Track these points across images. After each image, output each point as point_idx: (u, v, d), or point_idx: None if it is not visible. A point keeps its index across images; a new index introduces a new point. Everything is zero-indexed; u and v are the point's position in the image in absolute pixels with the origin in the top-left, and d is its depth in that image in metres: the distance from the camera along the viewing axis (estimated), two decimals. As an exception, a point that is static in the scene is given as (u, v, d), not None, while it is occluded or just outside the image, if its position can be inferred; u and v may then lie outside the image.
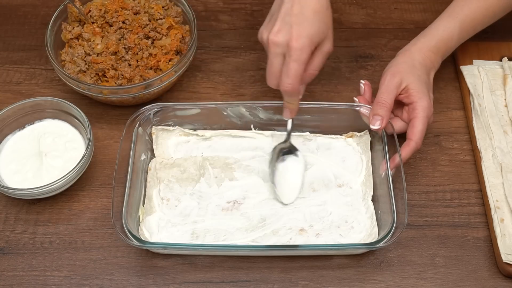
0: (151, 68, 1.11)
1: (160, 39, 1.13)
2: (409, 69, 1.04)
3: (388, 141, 1.02)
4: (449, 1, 1.09)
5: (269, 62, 0.97)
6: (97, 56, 1.11)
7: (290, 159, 1.05)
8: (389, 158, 0.99)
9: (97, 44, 1.11)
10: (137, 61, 1.11)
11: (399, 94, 1.03)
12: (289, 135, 1.05)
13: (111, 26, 1.14)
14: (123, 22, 1.14)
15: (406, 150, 1.00)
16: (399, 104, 1.05)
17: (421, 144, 1.01)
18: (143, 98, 1.10)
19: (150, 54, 1.11)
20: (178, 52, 1.13)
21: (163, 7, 1.17)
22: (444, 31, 1.07)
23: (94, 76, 1.10)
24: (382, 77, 1.05)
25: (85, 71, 1.10)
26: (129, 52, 1.11)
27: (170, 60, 1.12)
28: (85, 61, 1.11)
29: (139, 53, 1.11)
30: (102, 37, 1.12)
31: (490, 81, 1.14)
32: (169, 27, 1.14)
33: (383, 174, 0.99)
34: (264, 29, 0.98)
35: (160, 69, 1.11)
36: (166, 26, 1.14)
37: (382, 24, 1.26)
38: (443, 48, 1.07)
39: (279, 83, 0.98)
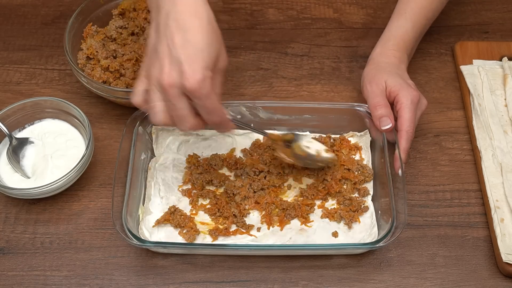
0: None
1: None
2: (379, 71, 1.06)
3: (388, 141, 1.02)
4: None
5: (173, 107, 0.84)
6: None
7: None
8: (389, 158, 0.99)
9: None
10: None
11: None
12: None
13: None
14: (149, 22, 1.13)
15: (400, 142, 1.00)
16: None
17: (413, 132, 1.00)
18: None
19: None
20: None
21: None
22: (397, 29, 1.11)
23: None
24: (363, 91, 1.07)
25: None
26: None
27: None
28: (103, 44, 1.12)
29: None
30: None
31: (490, 81, 1.14)
32: None
33: (384, 173, 0.99)
34: (152, 68, 0.83)
35: None
36: None
37: (382, 24, 1.25)
38: (402, 44, 1.10)
39: (202, 124, 0.87)
